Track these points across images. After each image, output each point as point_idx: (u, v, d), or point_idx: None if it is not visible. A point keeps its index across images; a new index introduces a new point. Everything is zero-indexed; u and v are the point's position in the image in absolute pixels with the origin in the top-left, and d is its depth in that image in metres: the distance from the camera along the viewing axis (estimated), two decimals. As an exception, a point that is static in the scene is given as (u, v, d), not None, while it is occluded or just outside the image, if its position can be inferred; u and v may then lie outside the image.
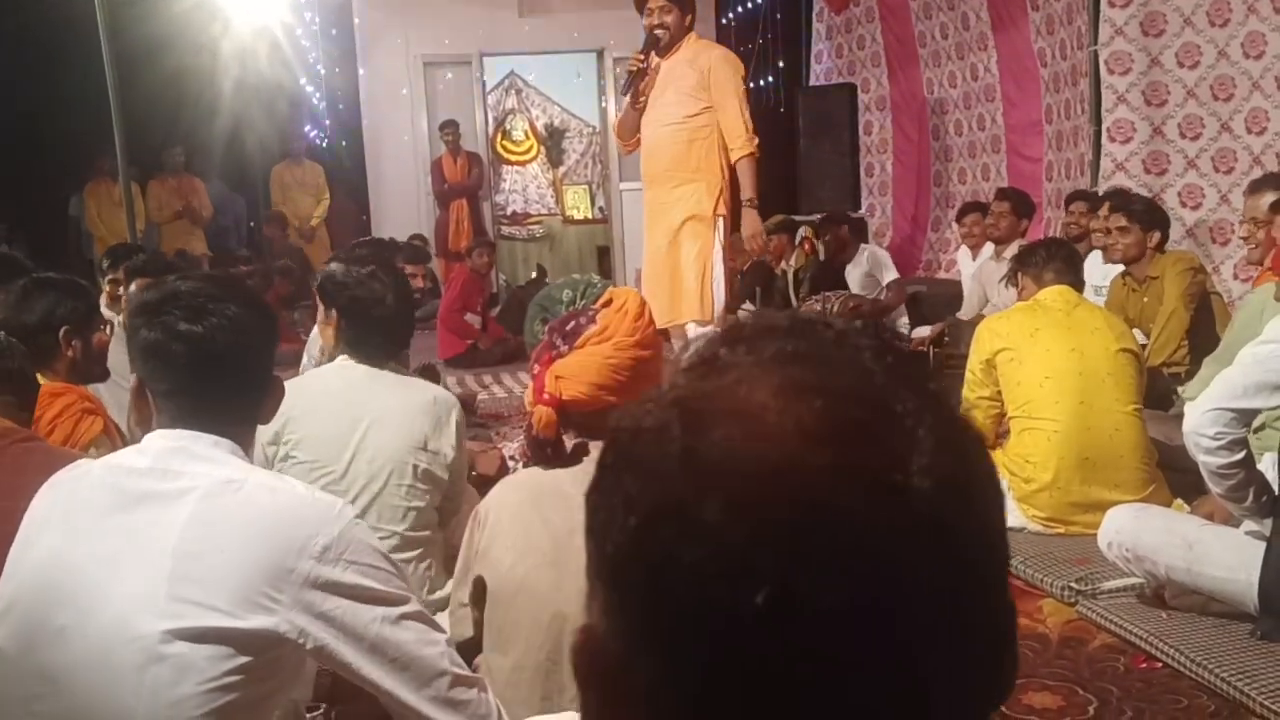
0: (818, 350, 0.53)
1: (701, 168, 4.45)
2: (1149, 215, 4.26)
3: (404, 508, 2.37)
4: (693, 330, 4.52)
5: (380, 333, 2.49)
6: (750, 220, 4.48)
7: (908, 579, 0.48)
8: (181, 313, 1.45)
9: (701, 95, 4.43)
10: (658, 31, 4.44)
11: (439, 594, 2.39)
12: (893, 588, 0.48)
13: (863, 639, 0.47)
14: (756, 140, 4.45)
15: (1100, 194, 5.21)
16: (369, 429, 2.35)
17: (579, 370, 1.75)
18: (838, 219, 7.20)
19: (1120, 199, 4.68)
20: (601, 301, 1.85)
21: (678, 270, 4.50)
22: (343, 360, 2.48)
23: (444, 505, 2.49)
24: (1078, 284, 3.46)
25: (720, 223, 4.49)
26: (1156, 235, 4.23)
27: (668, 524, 0.49)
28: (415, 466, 2.37)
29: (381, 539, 1.81)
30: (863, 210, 8.36)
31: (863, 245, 7.11)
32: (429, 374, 5.11)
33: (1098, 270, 4.69)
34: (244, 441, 1.51)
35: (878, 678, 0.48)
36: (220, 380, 1.47)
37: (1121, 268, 4.43)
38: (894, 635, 0.48)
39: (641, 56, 4.49)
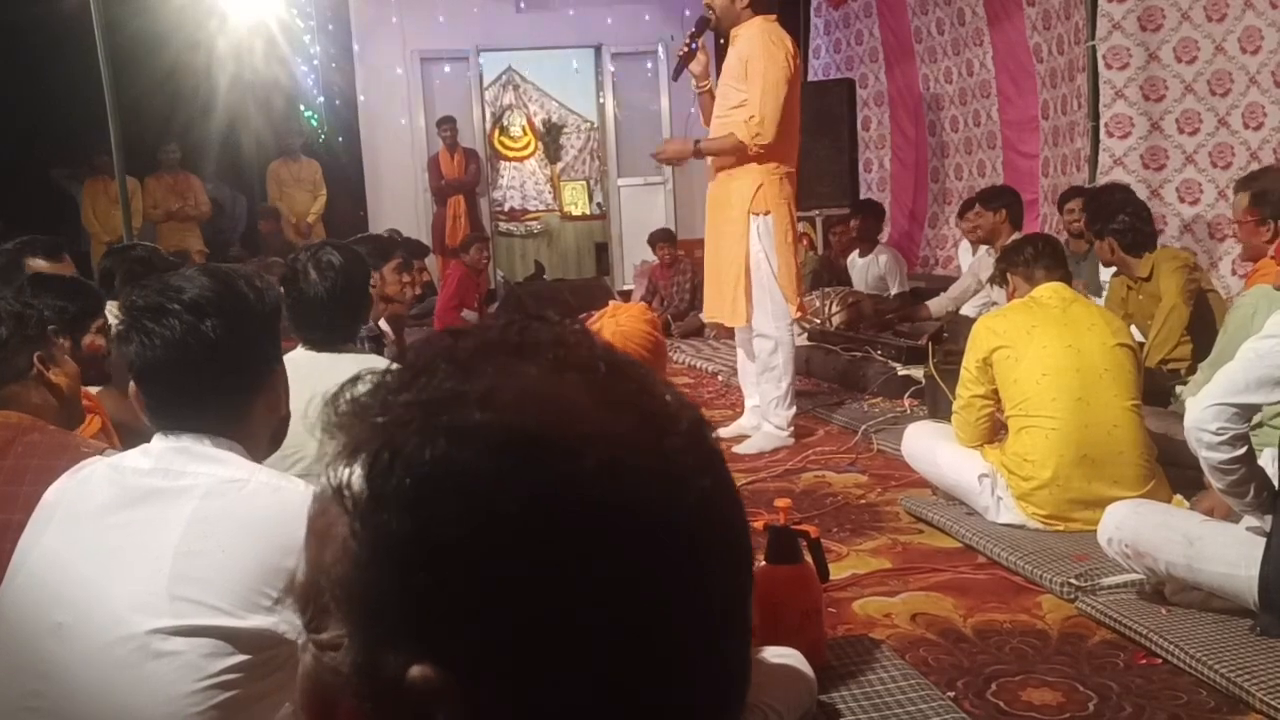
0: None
1: (742, 162, 4.33)
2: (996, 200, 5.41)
3: None
4: (760, 328, 4.44)
5: (312, 311, 2.50)
6: (675, 148, 4.55)
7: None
8: (152, 322, 1.43)
9: (741, 85, 4.26)
10: (707, 14, 4.36)
11: None
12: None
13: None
14: (759, 135, 4.20)
15: (1084, 188, 5.25)
16: None
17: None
18: (868, 208, 7.22)
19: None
20: None
21: (722, 270, 4.46)
22: (300, 349, 2.52)
23: None
24: (1066, 279, 3.45)
25: (765, 221, 4.33)
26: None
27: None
28: None
29: None
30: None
31: (880, 244, 7.12)
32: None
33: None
34: (247, 439, 1.50)
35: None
36: (202, 383, 1.44)
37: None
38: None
39: (687, 41, 4.42)
